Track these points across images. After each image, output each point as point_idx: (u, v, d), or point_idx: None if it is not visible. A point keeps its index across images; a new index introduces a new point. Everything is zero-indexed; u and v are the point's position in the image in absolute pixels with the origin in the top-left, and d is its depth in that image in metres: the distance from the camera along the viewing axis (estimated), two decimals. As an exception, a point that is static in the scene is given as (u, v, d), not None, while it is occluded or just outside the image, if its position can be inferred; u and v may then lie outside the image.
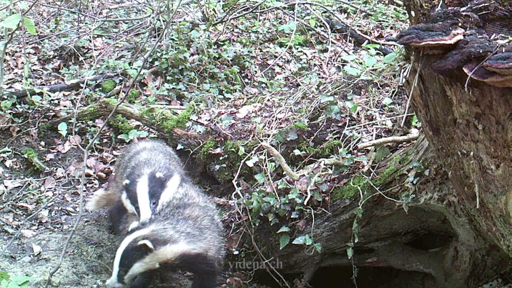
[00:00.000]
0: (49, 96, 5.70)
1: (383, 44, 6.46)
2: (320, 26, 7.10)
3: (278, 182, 4.48)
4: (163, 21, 6.32)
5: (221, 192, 5.11)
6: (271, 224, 4.36)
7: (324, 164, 4.29)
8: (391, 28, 7.32)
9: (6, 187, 4.97)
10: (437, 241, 4.50)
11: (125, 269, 3.64)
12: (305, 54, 6.73)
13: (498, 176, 2.61)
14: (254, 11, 7.06)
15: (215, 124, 5.10)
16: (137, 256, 3.63)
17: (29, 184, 5.05)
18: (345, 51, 6.63)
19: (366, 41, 6.77)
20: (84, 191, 5.01)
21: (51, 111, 5.60)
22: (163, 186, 4.07)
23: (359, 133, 4.52)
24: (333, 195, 4.26)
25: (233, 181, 4.69)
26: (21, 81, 5.86)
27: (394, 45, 6.17)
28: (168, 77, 6.07)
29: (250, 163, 4.63)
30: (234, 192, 4.65)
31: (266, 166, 4.58)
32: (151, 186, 3.98)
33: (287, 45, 6.62)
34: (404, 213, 3.95)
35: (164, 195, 4.04)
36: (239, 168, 4.71)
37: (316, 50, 6.79)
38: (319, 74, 6.23)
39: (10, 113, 5.44)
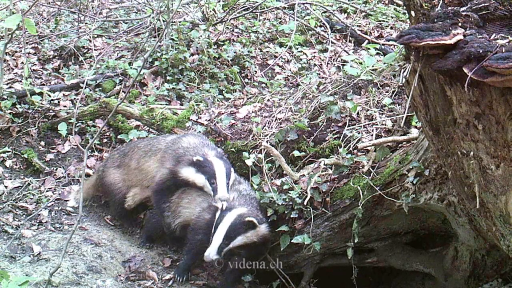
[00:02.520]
0: (49, 96, 5.70)
1: (383, 44, 6.46)
2: (320, 26, 7.09)
3: (279, 182, 4.48)
4: (163, 21, 6.32)
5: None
6: (269, 220, 4.37)
7: (324, 164, 4.29)
8: (391, 28, 7.32)
9: (6, 187, 4.97)
10: (437, 241, 4.50)
11: (227, 242, 4.10)
12: (305, 54, 6.72)
13: (498, 176, 2.61)
14: (254, 11, 7.05)
15: (215, 124, 5.10)
16: (242, 230, 4.13)
17: (29, 184, 5.05)
18: (345, 51, 6.63)
19: (366, 41, 6.77)
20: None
21: (51, 111, 5.60)
22: (230, 167, 4.43)
23: (359, 133, 4.52)
24: (333, 195, 4.26)
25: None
26: (21, 81, 5.86)
27: (394, 45, 6.17)
28: (168, 77, 6.06)
29: (249, 162, 4.63)
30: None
31: (264, 165, 4.58)
32: (226, 166, 4.35)
33: (287, 45, 6.62)
34: (404, 213, 3.95)
35: (232, 176, 4.40)
36: (243, 169, 4.72)
37: (316, 50, 6.79)
38: (319, 74, 6.23)
39: (10, 113, 5.44)
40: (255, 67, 6.45)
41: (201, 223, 4.41)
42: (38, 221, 4.72)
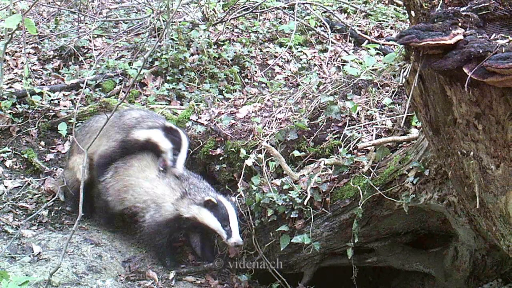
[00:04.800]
0: (49, 96, 5.70)
1: (383, 44, 6.46)
2: (320, 26, 7.09)
3: (279, 182, 4.48)
4: (163, 21, 6.32)
5: (221, 192, 5.12)
6: (269, 220, 4.37)
7: (324, 164, 4.29)
8: (391, 28, 7.32)
9: (6, 187, 4.97)
10: (437, 241, 4.50)
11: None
12: (305, 54, 6.72)
13: (498, 176, 2.61)
14: (254, 11, 7.05)
15: (215, 124, 5.10)
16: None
17: (29, 184, 5.05)
18: (345, 51, 6.63)
19: (366, 41, 6.77)
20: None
21: (51, 111, 5.60)
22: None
23: (359, 133, 4.52)
24: (333, 195, 4.26)
25: (238, 184, 4.70)
26: (21, 81, 5.86)
27: (394, 45, 6.17)
28: (168, 77, 6.06)
29: (249, 162, 4.63)
30: (238, 195, 4.65)
31: (264, 165, 4.58)
32: (188, 142, 4.51)
33: (287, 45, 6.62)
34: (404, 213, 3.95)
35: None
36: (242, 169, 4.71)
37: (316, 50, 6.79)
38: (319, 74, 6.23)
39: (10, 113, 5.45)
40: (255, 67, 6.45)
41: (154, 227, 4.46)
42: (38, 221, 4.72)
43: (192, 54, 6.27)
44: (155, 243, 4.52)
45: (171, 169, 4.42)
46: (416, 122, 4.27)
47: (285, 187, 4.38)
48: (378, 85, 4.96)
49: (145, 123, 4.54)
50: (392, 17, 7.55)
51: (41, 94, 5.61)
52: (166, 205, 4.43)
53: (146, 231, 4.52)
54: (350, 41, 6.90)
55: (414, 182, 3.79)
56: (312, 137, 4.75)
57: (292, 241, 4.30)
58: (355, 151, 4.38)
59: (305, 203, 4.21)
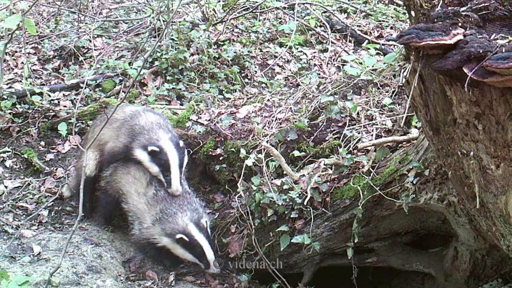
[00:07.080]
0: (49, 96, 5.70)
1: (383, 44, 6.46)
2: (320, 26, 7.10)
3: (279, 182, 4.48)
4: (163, 21, 6.32)
5: (221, 192, 5.12)
6: (269, 220, 4.37)
7: (324, 164, 4.29)
8: (391, 28, 7.32)
9: (6, 187, 4.98)
10: (437, 241, 4.50)
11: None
12: (305, 54, 6.72)
13: (498, 176, 2.61)
14: (254, 11, 7.05)
15: (215, 124, 5.10)
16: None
17: (29, 184, 5.05)
18: (345, 51, 6.63)
19: (366, 41, 6.77)
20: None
21: (51, 111, 5.60)
22: (184, 156, 4.46)
23: (359, 133, 4.52)
24: (333, 195, 4.26)
25: (238, 184, 4.69)
26: (21, 81, 5.87)
27: (394, 45, 6.17)
28: (168, 77, 6.06)
29: (249, 162, 4.63)
30: (238, 194, 4.65)
31: (264, 165, 4.58)
32: (179, 157, 4.37)
33: (287, 45, 6.62)
34: (404, 213, 3.95)
35: (185, 163, 4.48)
36: (242, 169, 4.71)
37: (316, 50, 6.79)
38: (319, 74, 6.23)
39: (10, 113, 5.45)
40: (255, 67, 6.45)
41: (142, 241, 4.46)
42: (38, 221, 4.72)
43: (192, 54, 6.27)
44: (148, 252, 4.53)
45: (168, 190, 4.39)
46: (416, 122, 4.27)
47: (285, 187, 4.37)
48: (378, 85, 4.95)
49: (144, 137, 4.44)
50: (392, 17, 7.55)
51: (41, 94, 5.61)
52: (145, 225, 4.44)
53: (136, 241, 4.55)
54: (350, 41, 6.90)
55: (414, 182, 3.79)
56: (312, 137, 4.75)
57: (292, 241, 4.30)
58: (355, 151, 4.38)
59: (305, 203, 4.21)
